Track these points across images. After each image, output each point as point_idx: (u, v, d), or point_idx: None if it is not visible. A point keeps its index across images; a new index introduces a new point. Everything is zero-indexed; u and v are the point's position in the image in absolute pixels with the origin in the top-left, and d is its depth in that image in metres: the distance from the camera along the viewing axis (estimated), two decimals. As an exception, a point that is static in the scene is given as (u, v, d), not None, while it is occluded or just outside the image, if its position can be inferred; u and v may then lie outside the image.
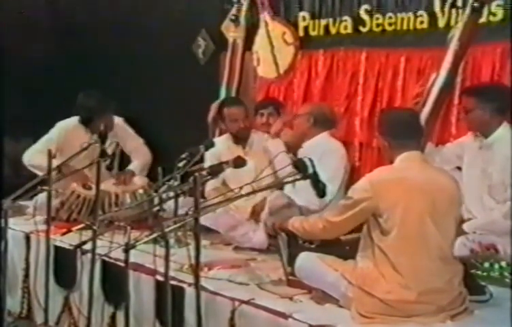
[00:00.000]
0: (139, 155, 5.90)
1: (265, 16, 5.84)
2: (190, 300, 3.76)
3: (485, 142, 4.41)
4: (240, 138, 5.28)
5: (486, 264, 4.09)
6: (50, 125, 5.95)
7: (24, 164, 5.86)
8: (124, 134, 5.90)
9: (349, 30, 5.38)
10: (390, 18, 5.13)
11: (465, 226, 4.15)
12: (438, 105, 4.76)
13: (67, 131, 5.83)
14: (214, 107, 5.83)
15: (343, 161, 4.88)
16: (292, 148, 4.90)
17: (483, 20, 4.63)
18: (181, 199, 4.30)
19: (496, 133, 4.37)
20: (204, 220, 4.28)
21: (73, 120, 5.89)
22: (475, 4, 4.57)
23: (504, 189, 4.29)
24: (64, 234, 4.43)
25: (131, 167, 5.78)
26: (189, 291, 3.88)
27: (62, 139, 5.76)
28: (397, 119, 3.87)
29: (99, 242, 4.12)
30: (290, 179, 3.91)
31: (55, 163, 4.71)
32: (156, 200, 4.46)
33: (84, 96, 5.82)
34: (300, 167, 3.81)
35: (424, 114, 4.65)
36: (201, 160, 4.91)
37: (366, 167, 5.12)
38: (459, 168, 4.56)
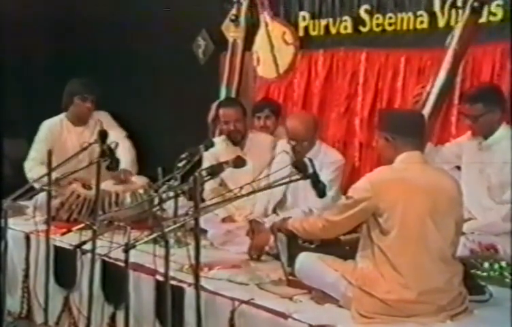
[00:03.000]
0: (125, 152, 5.81)
1: (265, 16, 5.84)
2: (190, 300, 3.76)
3: (485, 143, 4.41)
4: (233, 140, 5.24)
5: (486, 264, 4.09)
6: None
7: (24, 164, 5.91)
8: (107, 126, 5.81)
9: (349, 30, 5.38)
10: (390, 18, 5.13)
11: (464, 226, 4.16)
12: (438, 105, 4.76)
13: (54, 129, 5.93)
14: (214, 107, 5.84)
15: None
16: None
17: (483, 20, 4.63)
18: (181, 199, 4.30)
19: (495, 134, 4.37)
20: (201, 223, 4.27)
21: (60, 117, 6.02)
22: (475, 4, 4.57)
23: (503, 191, 4.30)
24: (64, 234, 4.43)
25: (122, 165, 5.77)
26: (189, 291, 3.88)
27: (51, 137, 5.87)
28: (404, 116, 3.92)
29: (99, 242, 4.12)
30: (290, 179, 3.90)
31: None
32: (156, 200, 4.45)
33: (72, 81, 6.03)
34: (300, 167, 3.80)
35: (424, 114, 4.64)
36: (201, 160, 4.92)
37: (366, 167, 5.12)
38: (458, 168, 4.56)
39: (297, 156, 4.67)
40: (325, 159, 4.69)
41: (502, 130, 4.36)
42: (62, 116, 6.07)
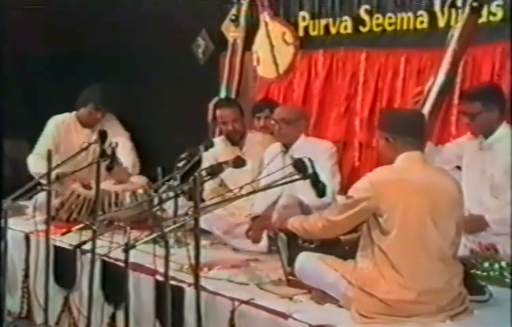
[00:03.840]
0: (127, 153, 5.82)
1: (265, 16, 5.84)
2: (190, 300, 3.76)
3: (485, 143, 4.41)
4: (232, 140, 5.24)
5: (486, 264, 4.09)
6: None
7: (24, 165, 5.91)
8: (111, 127, 5.71)
9: (349, 30, 5.38)
10: (390, 18, 5.13)
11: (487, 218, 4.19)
12: (438, 105, 4.76)
13: (62, 126, 5.92)
14: (211, 106, 5.85)
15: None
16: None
17: (483, 20, 4.64)
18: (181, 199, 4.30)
19: (495, 134, 4.37)
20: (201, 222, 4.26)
21: (69, 115, 6.00)
22: (474, 4, 4.57)
23: (506, 189, 4.30)
24: (64, 234, 4.42)
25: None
26: (189, 291, 3.88)
27: (58, 134, 5.86)
28: (404, 116, 3.92)
29: (98, 242, 4.12)
30: (290, 179, 3.90)
31: (54, 160, 4.72)
32: (156, 200, 4.45)
33: (89, 87, 5.99)
34: (300, 167, 3.80)
35: (424, 114, 4.64)
36: (200, 160, 4.92)
37: (366, 167, 5.12)
38: (458, 168, 4.56)
39: (279, 139, 4.77)
40: (317, 148, 4.68)
41: (503, 129, 4.36)
42: (71, 114, 6.03)
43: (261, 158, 4.94)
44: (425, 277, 3.44)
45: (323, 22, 5.53)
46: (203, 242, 4.19)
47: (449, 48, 4.68)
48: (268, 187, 4.04)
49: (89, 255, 4.20)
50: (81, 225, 4.06)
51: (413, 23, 5.00)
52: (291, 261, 3.92)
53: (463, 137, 4.63)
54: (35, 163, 5.74)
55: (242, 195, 3.91)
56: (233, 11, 5.99)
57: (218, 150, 5.13)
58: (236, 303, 3.74)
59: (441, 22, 4.85)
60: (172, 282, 3.71)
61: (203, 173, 4.10)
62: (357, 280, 3.52)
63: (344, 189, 4.52)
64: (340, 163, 5.04)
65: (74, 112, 6.05)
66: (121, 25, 6.62)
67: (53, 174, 4.72)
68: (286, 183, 3.99)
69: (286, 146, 4.77)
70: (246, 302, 3.72)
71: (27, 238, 5.12)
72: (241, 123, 5.25)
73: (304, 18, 5.65)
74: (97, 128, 5.85)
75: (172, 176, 4.42)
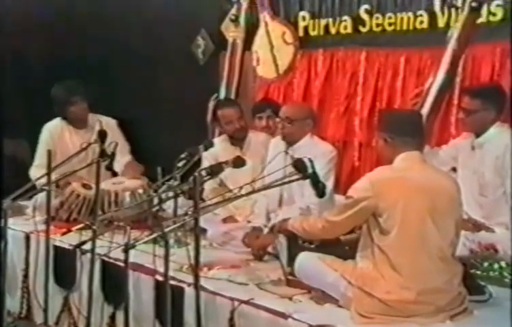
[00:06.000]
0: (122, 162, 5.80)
1: (265, 16, 5.84)
2: (190, 300, 3.76)
3: (477, 142, 4.43)
4: (237, 139, 5.24)
5: (486, 264, 4.09)
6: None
7: (24, 164, 5.90)
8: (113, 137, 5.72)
9: (349, 30, 5.38)
10: (390, 18, 5.13)
11: None
12: (437, 106, 4.77)
13: (56, 131, 5.88)
14: (210, 107, 5.85)
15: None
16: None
17: (482, 19, 4.64)
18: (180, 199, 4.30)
19: (487, 133, 4.38)
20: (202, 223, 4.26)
21: (60, 119, 5.94)
22: (473, 4, 4.58)
23: (495, 188, 4.30)
24: (64, 234, 4.43)
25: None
26: (189, 291, 3.88)
27: (52, 140, 5.83)
28: (402, 116, 3.94)
29: (98, 242, 4.12)
30: (290, 179, 3.90)
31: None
32: (156, 200, 4.45)
33: (54, 88, 5.89)
34: (300, 167, 3.80)
35: (422, 114, 4.65)
36: (200, 160, 4.92)
37: (366, 167, 5.12)
38: (454, 169, 4.56)
39: (284, 138, 4.71)
40: (316, 151, 4.59)
41: (494, 129, 4.38)
42: (61, 119, 5.97)
43: (265, 152, 4.93)
44: (425, 277, 3.44)
45: (323, 22, 5.53)
46: (203, 242, 4.20)
47: (449, 48, 4.69)
48: (268, 186, 4.05)
49: (89, 255, 4.20)
50: (81, 225, 4.07)
51: (413, 23, 5.00)
52: (290, 262, 3.92)
53: (458, 138, 4.65)
54: (37, 174, 5.71)
55: (242, 195, 3.91)
56: (233, 11, 5.99)
57: (218, 150, 5.13)
58: (236, 303, 3.74)
59: (441, 22, 4.85)
60: (172, 282, 3.72)
61: (203, 173, 4.10)
62: (356, 280, 3.52)
63: (343, 189, 4.52)
64: (339, 163, 5.04)
65: (61, 117, 5.96)
66: (121, 25, 6.62)
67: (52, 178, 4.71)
68: (286, 183, 4.00)
69: (290, 144, 4.70)
70: (246, 302, 3.72)
71: (27, 237, 5.12)
72: (244, 121, 5.26)
73: (303, 18, 5.65)
74: (90, 128, 5.85)
75: (172, 176, 4.42)
